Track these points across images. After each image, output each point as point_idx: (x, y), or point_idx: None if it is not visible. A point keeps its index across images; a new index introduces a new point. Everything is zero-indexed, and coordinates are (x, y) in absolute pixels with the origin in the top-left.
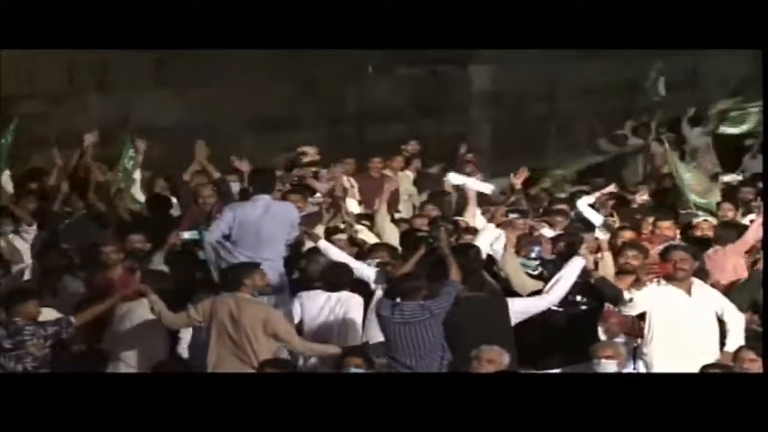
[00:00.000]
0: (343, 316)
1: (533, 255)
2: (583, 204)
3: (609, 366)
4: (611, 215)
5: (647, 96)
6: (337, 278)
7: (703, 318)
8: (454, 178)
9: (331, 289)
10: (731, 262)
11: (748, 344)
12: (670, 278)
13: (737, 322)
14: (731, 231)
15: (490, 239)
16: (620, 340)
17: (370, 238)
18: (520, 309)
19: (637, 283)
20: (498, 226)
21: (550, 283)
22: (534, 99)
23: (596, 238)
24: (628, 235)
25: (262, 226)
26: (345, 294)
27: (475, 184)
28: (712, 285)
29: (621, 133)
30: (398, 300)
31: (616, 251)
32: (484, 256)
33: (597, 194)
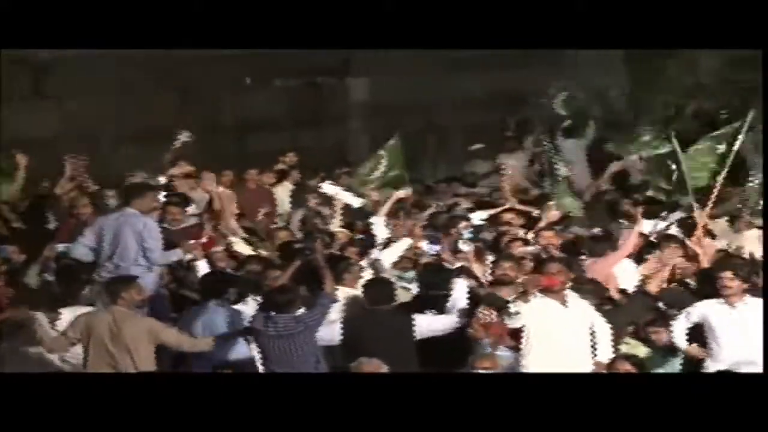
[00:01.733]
0: None
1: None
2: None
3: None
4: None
5: (538, 109)
6: (214, 287)
7: (578, 329)
8: (327, 188)
9: (209, 298)
10: (604, 273)
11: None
12: (546, 290)
13: (605, 332)
14: (603, 243)
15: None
16: (501, 352)
17: (245, 250)
18: (425, 325)
19: (524, 296)
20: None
21: (449, 305)
22: (412, 110)
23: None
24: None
25: (125, 238)
26: None
27: (345, 196)
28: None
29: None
30: (272, 313)
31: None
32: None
33: (492, 211)
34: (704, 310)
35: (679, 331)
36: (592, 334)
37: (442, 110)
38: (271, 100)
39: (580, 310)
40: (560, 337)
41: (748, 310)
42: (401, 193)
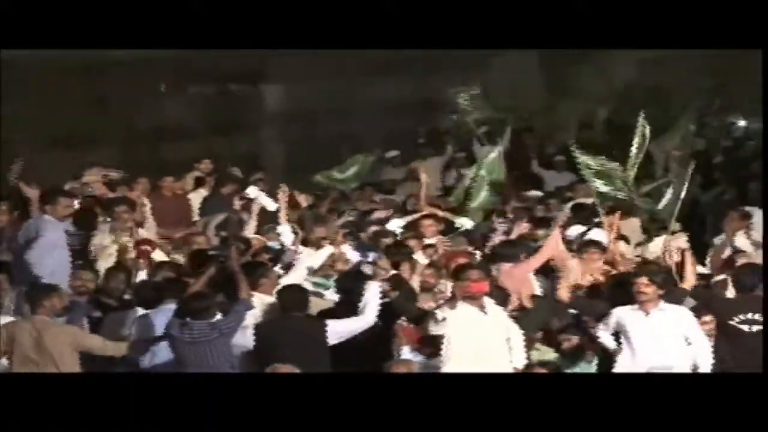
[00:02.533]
0: None
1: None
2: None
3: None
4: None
5: (452, 115)
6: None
7: (496, 336)
8: (251, 191)
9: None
10: (520, 278)
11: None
12: (467, 297)
13: (519, 339)
14: (517, 248)
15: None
16: (418, 358)
17: (160, 256)
18: (338, 330)
19: (452, 302)
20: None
21: (361, 304)
22: (326, 117)
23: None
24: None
25: (37, 246)
26: None
27: (263, 200)
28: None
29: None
30: (188, 319)
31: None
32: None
33: (410, 218)
34: (619, 316)
35: (605, 336)
36: (507, 340)
37: (356, 116)
38: (186, 107)
39: (498, 317)
40: (480, 343)
41: (664, 316)
42: (281, 195)
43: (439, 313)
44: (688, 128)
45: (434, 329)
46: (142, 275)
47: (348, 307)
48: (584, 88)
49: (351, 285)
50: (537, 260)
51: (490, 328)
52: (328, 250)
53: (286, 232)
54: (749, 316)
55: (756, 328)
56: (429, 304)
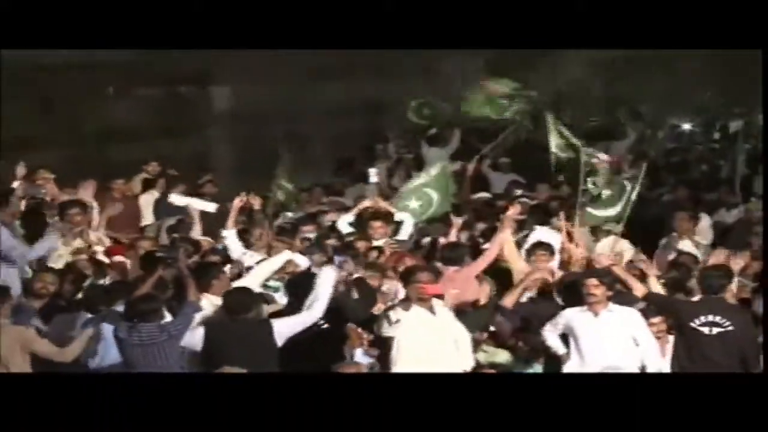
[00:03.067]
0: None
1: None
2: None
3: None
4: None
5: (399, 118)
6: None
7: (445, 337)
8: (176, 200)
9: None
10: (462, 282)
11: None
12: (418, 298)
13: (466, 340)
14: (460, 251)
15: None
16: (367, 360)
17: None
18: (285, 329)
19: (406, 303)
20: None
21: (309, 300)
22: (274, 119)
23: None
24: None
25: None
26: None
27: (199, 204)
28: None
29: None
30: (136, 321)
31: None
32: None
33: (356, 210)
34: (568, 318)
35: (552, 339)
36: (455, 342)
37: (304, 118)
38: (134, 109)
39: (446, 319)
40: (429, 345)
41: (612, 317)
42: (237, 201)
43: (393, 315)
44: (643, 133)
45: (387, 331)
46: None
47: (298, 310)
48: (531, 92)
49: (300, 288)
50: (481, 263)
51: (439, 329)
52: (286, 255)
53: (231, 236)
54: (710, 318)
55: (716, 330)
56: (378, 306)
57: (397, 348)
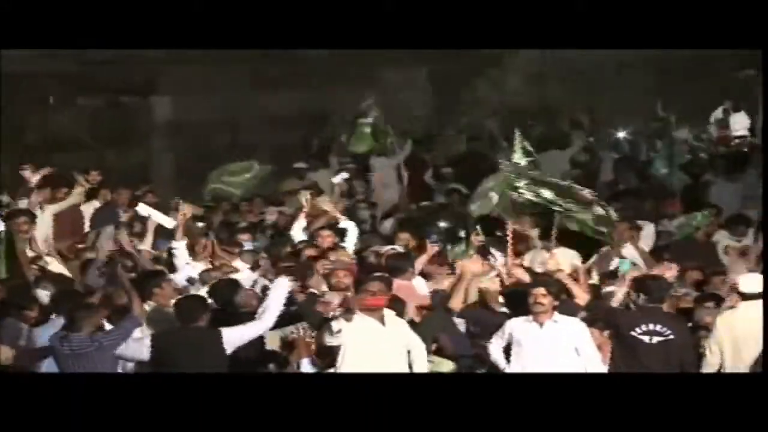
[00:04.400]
0: None
1: None
2: None
3: None
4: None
5: (343, 127)
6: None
7: (395, 347)
8: (142, 209)
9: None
10: (405, 291)
11: None
12: (366, 309)
13: (421, 350)
14: (403, 261)
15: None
16: (313, 369)
17: (59, 268)
18: (235, 337)
19: (348, 314)
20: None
21: (260, 309)
22: (217, 128)
23: None
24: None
25: None
26: None
27: (160, 217)
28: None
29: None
30: (67, 332)
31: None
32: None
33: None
34: (513, 327)
35: (496, 352)
36: (408, 352)
37: (248, 128)
38: (75, 119)
39: (398, 329)
40: (377, 355)
41: (557, 327)
42: (187, 210)
43: (335, 325)
44: (582, 141)
45: (329, 340)
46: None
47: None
48: (473, 102)
49: (224, 295)
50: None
51: (389, 339)
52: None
53: (181, 248)
54: (651, 327)
55: (657, 339)
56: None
57: (342, 357)
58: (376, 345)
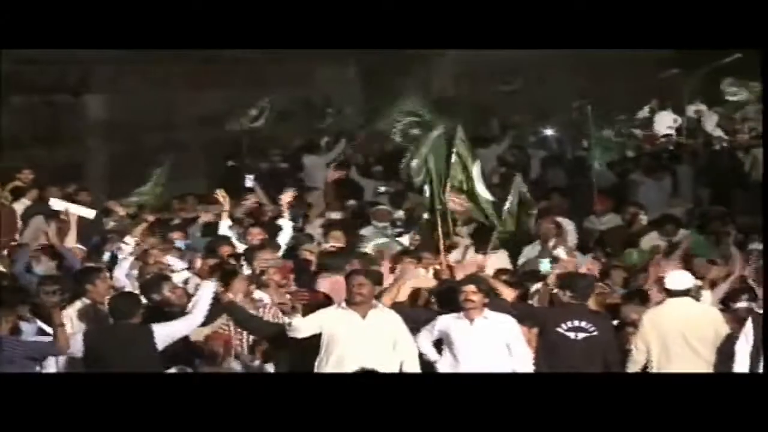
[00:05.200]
0: None
1: None
2: None
3: None
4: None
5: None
6: None
7: (378, 341)
8: (55, 204)
9: None
10: (338, 288)
11: None
12: (349, 302)
13: (409, 345)
14: (337, 259)
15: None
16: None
17: None
18: (165, 333)
19: (293, 311)
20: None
21: (189, 305)
22: (149, 128)
23: None
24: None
25: None
26: None
27: (78, 210)
28: None
29: None
30: None
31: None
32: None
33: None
34: (444, 324)
35: (426, 345)
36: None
37: (180, 127)
38: (7, 118)
39: (382, 323)
40: (358, 348)
41: (487, 324)
42: (78, 212)
43: (287, 319)
44: (510, 140)
45: (290, 333)
46: None
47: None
48: (402, 100)
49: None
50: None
51: (369, 333)
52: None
53: (131, 246)
54: (575, 323)
55: (581, 335)
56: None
57: (324, 349)
58: (355, 338)
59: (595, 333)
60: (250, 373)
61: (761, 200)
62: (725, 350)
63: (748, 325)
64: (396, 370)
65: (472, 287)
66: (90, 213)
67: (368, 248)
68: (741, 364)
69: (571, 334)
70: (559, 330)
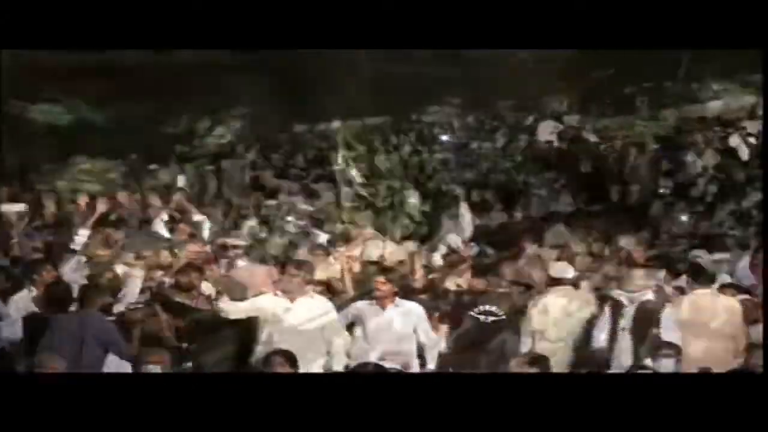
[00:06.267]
0: None
1: None
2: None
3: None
4: None
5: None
6: None
7: (306, 325)
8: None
9: None
10: (249, 277)
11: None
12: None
13: (336, 328)
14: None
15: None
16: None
17: None
18: (99, 320)
19: (219, 295)
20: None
21: (120, 295)
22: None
23: None
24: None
25: None
26: None
27: (8, 207)
28: None
29: None
30: None
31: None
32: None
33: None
34: (358, 308)
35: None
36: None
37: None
38: None
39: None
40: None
41: (397, 311)
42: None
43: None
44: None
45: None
46: None
47: None
48: (319, 105)
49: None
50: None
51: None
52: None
53: (83, 238)
54: (487, 308)
55: (491, 318)
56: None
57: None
58: (288, 322)
59: (503, 317)
60: (231, 373)
61: (763, 200)
62: (587, 329)
63: (606, 310)
64: (322, 354)
65: (381, 278)
66: (20, 206)
67: (281, 242)
68: (597, 341)
69: (482, 318)
70: (471, 314)
